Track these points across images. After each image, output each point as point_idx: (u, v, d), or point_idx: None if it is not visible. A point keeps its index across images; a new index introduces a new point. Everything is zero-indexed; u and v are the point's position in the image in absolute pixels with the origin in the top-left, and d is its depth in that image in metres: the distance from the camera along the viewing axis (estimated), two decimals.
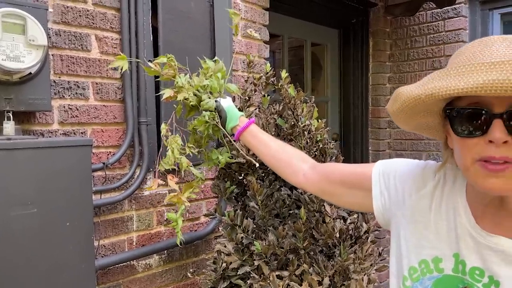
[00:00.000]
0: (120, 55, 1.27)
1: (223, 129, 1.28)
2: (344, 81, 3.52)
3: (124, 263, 1.80)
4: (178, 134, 1.32)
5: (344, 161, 1.56)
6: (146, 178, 1.87)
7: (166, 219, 1.96)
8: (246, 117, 1.60)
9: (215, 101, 1.28)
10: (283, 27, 3.07)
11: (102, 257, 1.73)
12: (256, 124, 1.28)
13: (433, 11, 3.26)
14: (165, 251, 1.96)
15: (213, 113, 1.27)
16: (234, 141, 1.33)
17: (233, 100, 1.83)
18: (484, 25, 3.16)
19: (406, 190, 0.89)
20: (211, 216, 1.88)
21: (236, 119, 1.25)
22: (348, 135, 3.54)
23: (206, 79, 1.33)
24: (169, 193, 1.95)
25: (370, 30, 3.47)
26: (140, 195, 1.86)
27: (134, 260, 1.84)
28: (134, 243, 1.85)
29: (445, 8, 3.15)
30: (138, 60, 1.76)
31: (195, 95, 1.29)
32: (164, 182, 1.74)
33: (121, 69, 1.24)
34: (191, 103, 1.29)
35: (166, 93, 1.28)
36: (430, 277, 0.82)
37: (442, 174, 0.86)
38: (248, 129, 1.23)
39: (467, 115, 0.69)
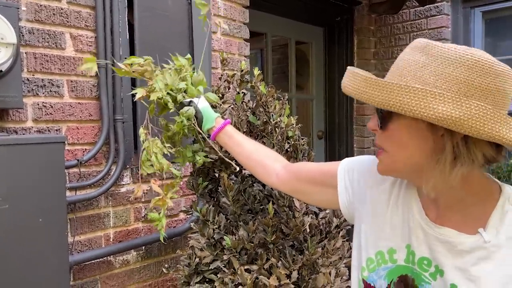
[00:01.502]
0: (89, 57, 1.28)
1: (199, 130, 1.28)
2: (329, 79, 3.54)
3: (100, 259, 1.81)
4: (156, 137, 1.32)
5: (329, 158, 1.59)
6: (122, 175, 1.89)
7: (145, 215, 1.98)
8: (221, 115, 1.63)
9: (190, 101, 1.28)
10: (267, 25, 3.09)
11: (78, 252, 1.74)
12: (231, 125, 1.29)
13: (416, 9, 3.28)
14: (143, 247, 1.98)
15: (190, 112, 1.26)
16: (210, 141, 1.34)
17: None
18: (466, 23, 3.19)
19: (368, 184, 0.93)
20: (187, 213, 1.91)
21: (212, 120, 1.26)
22: (333, 132, 3.56)
23: (180, 77, 1.32)
24: (146, 190, 1.97)
25: (354, 28, 3.49)
26: (116, 191, 1.88)
27: (111, 256, 1.86)
28: (111, 239, 1.87)
29: (427, 6, 3.18)
30: (108, 62, 1.76)
31: (168, 94, 1.28)
32: (139, 181, 1.77)
33: (96, 71, 1.25)
34: (165, 102, 1.28)
35: (139, 93, 1.27)
36: (385, 267, 0.86)
37: None
38: (224, 130, 1.25)
39: None
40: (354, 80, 0.77)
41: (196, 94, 1.31)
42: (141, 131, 1.29)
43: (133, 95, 1.29)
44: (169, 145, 1.32)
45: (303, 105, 3.60)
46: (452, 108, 0.66)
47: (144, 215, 1.97)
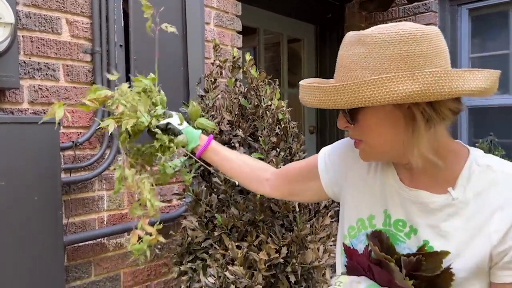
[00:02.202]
0: (55, 104, 1.12)
1: (187, 152, 1.19)
2: (321, 75, 3.61)
3: (94, 241, 1.85)
4: (143, 172, 1.17)
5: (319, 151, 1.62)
6: (116, 159, 1.92)
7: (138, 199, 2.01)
8: (213, 100, 1.68)
9: (168, 123, 1.16)
10: (259, 20, 3.15)
11: (72, 234, 1.78)
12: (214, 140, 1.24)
13: (405, 6, 3.36)
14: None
15: (170, 137, 1.16)
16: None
17: (198, 83, 1.90)
18: (453, 20, 3.27)
19: (349, 161, 0.99)
20: (179, 196, 1.95)
21: (196, 139, 1.19)
22: (325, 127, 3.62)
23: (152, 100, 1.19)
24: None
25: (345, 25, 3.57)
26: (111, 175, 1.92)
27: (105, 239, 1.89)
28: (105, 222, 1.90)
29: (415, 4, 3.26)
30: (79, 105, 1.60)
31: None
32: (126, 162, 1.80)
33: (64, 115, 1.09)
34: (138, 128, 1.14)
35: (110, 125, 1.09)
36: (365, 232, 0.91)
37: None
38: (209, 147, 1.20)
39: None
40: (313, 93, 0.81)
41: (169, 114, 1.20)
42: (117, 167, 1.15)
43: (129, 80, 1.18)
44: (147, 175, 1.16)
45: (295, 101, 3.65)
46: (410, 84, 0.70)
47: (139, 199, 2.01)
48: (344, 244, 0.93)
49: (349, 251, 0.89)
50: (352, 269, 0.88)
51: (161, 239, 1.18)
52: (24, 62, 1.64)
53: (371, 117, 0.81)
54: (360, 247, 0.90)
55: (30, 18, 1.65)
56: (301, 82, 0.88)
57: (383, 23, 3.46)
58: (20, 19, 1.61)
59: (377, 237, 0.84)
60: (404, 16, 3.37)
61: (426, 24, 3.10)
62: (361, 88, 0.73)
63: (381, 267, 0.81)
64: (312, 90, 0.82)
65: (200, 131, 1.22)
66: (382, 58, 0.74)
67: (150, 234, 1.15)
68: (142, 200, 1.13)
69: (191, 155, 1.21)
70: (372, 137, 0.83)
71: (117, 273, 1.96)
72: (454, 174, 0.82)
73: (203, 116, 1.47)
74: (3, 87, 1.51)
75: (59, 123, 1.57)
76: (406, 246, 0.84)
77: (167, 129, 1.16)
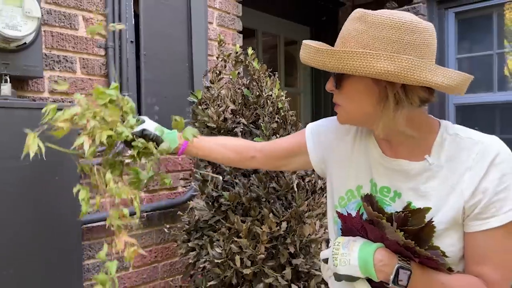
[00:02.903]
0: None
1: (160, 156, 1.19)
2: (316, 74, 3.78)
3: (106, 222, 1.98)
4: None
5: None
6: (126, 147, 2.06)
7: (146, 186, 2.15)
8: (219, 90, 1.82)
9: (143, 129, 1.18)
10: (257, 22, 3.32)
11: (87, 214, 1.91)
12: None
13: (395, 9, 3.55)
14: (145, 215, 2.15)
15: (152, 144, 1.16)
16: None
17: (204, 75, 2.05)
18: (440, 23, 3.46)
19: (333, 139, 1.12)
20: (186, 181, 2.10)
21: (175, 140, 1.21)
22: None
23: (122, 109, 1.17)
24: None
25: (339, 28, 3.72)
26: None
27: None
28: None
29: (405, 7, 3.44)
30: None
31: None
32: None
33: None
34: (113, 140, 1.16)
35: (85, 142, 1.13)
36: (354, 201, 1.03)
37: None
38: (189, 145, 1.24)
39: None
40: (309, 52, 0.92)
41: (141, 120, 1.20)
42: (79, 186, 1.19)
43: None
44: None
45: (291, 98, 3.82)
46: (388, 64, 0.83)
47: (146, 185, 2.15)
48: (337, 211, 1.03)
49: (343, 216, 0.99)
50: (347, 231, 0.99)
51: (141, 251, 1.18)
52: (45, 55, 1.79)
53: (352, 86, 0.92)
54: (352, 214, 1.00)
55: (51, 14, 1.81)
56: (304, 41, 0.96)
57: None
58: (42, 15, 1.76)
59: (369, 200, 0.95)
60: None
61: None
62: (348, 56, 0.84)
63: (374, 225, 0.91)
64: (310, 50, 0.92)
65: (176, 131, 1.22)
66: (374, 37, 0.85)
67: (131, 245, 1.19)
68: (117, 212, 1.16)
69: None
70: (349, 104, 0.95)
71: None
72: (429, 143, 0.95)
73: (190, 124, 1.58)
74: (28, 75, 1.65)
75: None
76: (392, 209, 0.95)
77: (143, 136, 1.16)
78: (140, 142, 1.14)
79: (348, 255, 0.90)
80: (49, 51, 1.80)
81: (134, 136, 1.16)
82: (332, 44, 0.95)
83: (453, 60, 3.45)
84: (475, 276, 0.89)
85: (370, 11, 0.89)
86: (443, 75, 0.86)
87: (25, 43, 1.59)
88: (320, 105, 3.76)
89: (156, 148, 1.15)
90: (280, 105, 1.84)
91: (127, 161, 1.25)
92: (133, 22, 2.10)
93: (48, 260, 1.65)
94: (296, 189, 1.72)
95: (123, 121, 1.17)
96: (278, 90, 1.85)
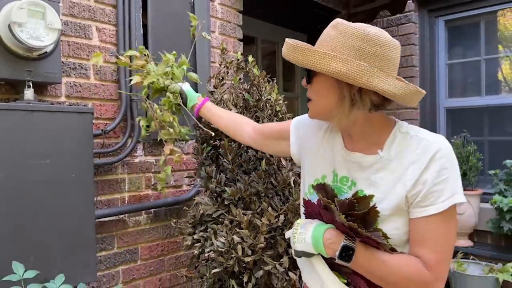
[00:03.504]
0: (97, 52, 1.67)
1: (184, 107, 1.63)
2: None
3: (117, 216, 2.14)
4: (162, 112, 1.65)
5: None
6: (136, 147, 2.23)
7: (154, 184, 2.31)
8: (222, 95, 1.98)
9: (184, 93, 1.62)
10: (257, 30, 3.49)
11: (99, 209, 2.07)
12: (211, 101, 1.65)
13: (388, 18, 3.72)
14: (152, 211, 2.31)
15: (176, 94, 1.61)
16: (195, 117, 1.69)
17: (208, 80, 2.21)
18: (431, 30, 3.63)
19: (309, 132, 1.27)
20: (191, 178, 2.25)
21: (195, 99, 1.61)
22: None
23: (168, 66, 1.68)
24: (155, 162, 2.31)
25: None
26: (132, 161, 2.22)
27: (126, 215, 2.18)
28: (126, 202, 2.20)
29: (398, 16, 3.62)
30: (117, 55, 2.12)
31: (158, 80, 1.63)
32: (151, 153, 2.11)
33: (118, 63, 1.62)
34: (155, 87, 1.62)
35: (134, 79, 1.65)
36: None
37: None
38: (204, 106, 1.60)
39: None
40: (287, 48, 1.05)
41: (181, 79, 1.67)
42: (140, 117, 1.75)
43: (131, 81, 1.67)
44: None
45: (289, 103, 3.98)
46: (341, 66, 0.96)
47: (154, 183, 2.31)
48: (303, 199, 1.15)
49: (306, 202, 1.10)
50: (308, 215, 1.12)
51: (182, 156, 1.67)
52: (63, 62, 1.95)
53: (320, 83, 1.06)
54: (314, 200, 1.14)
55: (68, 25, 1.97)
56: (286, 39, 1.08)
57: None
58: (61, 25, 1.92)
59: (322, 188, 1.06)
60: (387, 27, 3.73)
61: (407, 34, 3.47)
62: (311, 54, 0.99)
63: (327, 210, 1.03)
64: (287, 46, 1.05)
65: (199, 94, 1.63)
66: (341, 44, 0.99)
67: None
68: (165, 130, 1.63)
69: (189, 112, 1.66)
70: (317, 99, 1.08)
71: (136, 247, 2.25)
72: (383, 139, 1.07)
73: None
74: (48, 81, 1.81)
75: (92, 113, 1.88)
76: (349, 196, 1.05)
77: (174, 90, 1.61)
78: (158, 82, 1.62)
79: (304, 234, 1.03)
80: (66, 59, 1.97)
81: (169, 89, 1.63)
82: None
83: (443, 65, 3.62)
84: (416, 257, 1.00)
85: (345, 22, 1.03)
86: (391, 84, 0.98)
87: (46, 52, 1.75)
88: None
89: (179, 101, 1.62)
90: (278, 108, 2.00)
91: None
92: (141, 32, 2.26)
93: (65, 250, 1.80)
94: (293, 185, 1.87)
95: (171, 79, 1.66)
96: (276, 94, 2.01)
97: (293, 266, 1.84)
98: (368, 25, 1.03)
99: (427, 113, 3.63)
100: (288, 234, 1.12)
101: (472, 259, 3.00)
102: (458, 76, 3.62)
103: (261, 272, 1.75)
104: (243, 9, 2.88)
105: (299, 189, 1.89)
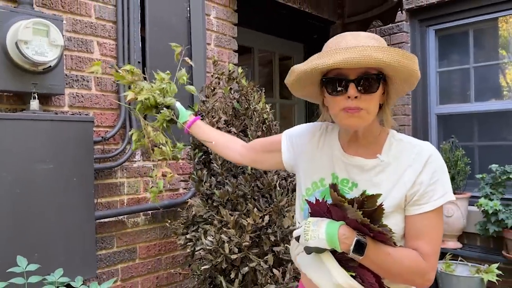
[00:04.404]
0: (97, 61, 1.75)
1: (179, 122, 1.65)
2: None
3: (116, 218, 2.29)
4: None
5: None
6: (135, 153, 2.38)
7: (151, 187, 2.46)
8: (213, 103, 2.13)
9: (177, 109, 1.66)
10: (254, 41, 3.65)
11: (99, 211, 2.22)
12: (202, 120, 1.70)
13: (381, 27, 3.85)
14: (150, 213, 2.46)
15: (170, 110, 1.65)
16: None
17: (201, 90, 2.37)
18: (422, 39, 3.75)
19: (303, 141, 1.36)
20: (186, 182, 2.40)
21: (186, 115, 1.65)
22: None
23: (163, 83, 1.73)
24: (152, 167, 2.47)
25: None
26: (130, 166, 2.37)
27: (125, 217, 2.33)
28: (125, 204, 2.35)
29: (390, 25, 3.75)
30: (114, 67, 2.28)
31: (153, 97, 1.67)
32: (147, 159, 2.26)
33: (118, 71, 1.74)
34: (149, 103, 1.66)
35: (129, 95, 1.68)
36: (318, 191, 1.27)
37: (324, 127, 1.35)
38: (195, 123, 1.64)
39: (334, 81, 1.11)
40: (398, 54, 1.04)
41: (173, 96, 1.71)
42: (133, 130, 1.81)
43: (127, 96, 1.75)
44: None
45: (287, 110, 4.13)
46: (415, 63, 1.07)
47: (152, 187, 2.46)
48: (305, 199, 1.22)
49: (311, 202, 1.15)
50: (314, 214, 1.18)
51: (173, 174, 1.70)
52: (66, 75, 2.12)
53: (381, 88, 1.11)
54: (319, 200, 1.21)
55: (71, 41, 2.14)
56: (329, 46, 1.15)
57: None
58: (64, 41, 2.09)
59: (333, 188, 1.11)
60: (380, 36, 3.86)
61: (399, 43, 3.61)
62: (404, 57, 1.04)
63: (337, 207, 1.08)
64: (349, 50, 1.03)
65: (190, 112, 1.67)
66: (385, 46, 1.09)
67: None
68: (158, 150, 1.66)
69: (181, 124, 1.69)
70: (374, 107, 1.12)
71: (134, 246, 2.40)
72: (380, 145, 1.19)
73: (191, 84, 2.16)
74: (52, 93, 1.98)
75: (92, 121, 2.04)
76: (351, 196, 1.10)
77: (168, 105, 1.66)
78: (152, 99, 1.66)
79: (317, 231, 1.09)
80: (69, 71, 2.13)
81: (162, 105, 1.67)
82: None
83: (434, 73, 3.74)
84: (413, 249, 1.11)
85: (368, 34, 1.13)
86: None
87: (50, 66, 1.92)
88: (312, 115, 4.05)
89: (173, 117, 1.65)
90: (265, 116, 2.14)
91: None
92: (140, 45, 2.42)
93: (67, 248, 1.96)
94: (278, 188, 2.01)
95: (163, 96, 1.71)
96: (263, 103, 2.15)
97: (278, 264, 1.97)
98: (371, 33, 1.15)
99: (419, 119, 3.74)
100: (297, 232, 1.16)
101: (460, 261, 3.10)
102: (448, 83, 3.73)
103: (246, 269, 1.89)
104: (240, 21, 3.04)
105: (285, 192, 2.03)
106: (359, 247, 1.05)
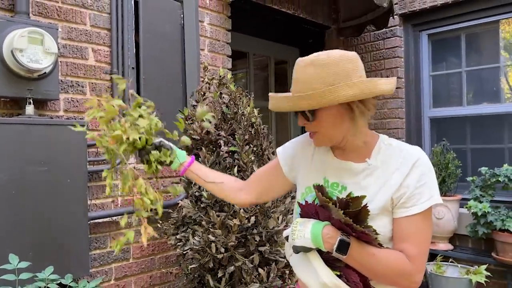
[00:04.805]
0: (92, 99, 1.34)
1: (177, 163, 1.35)
2: None
3: (110, 218, 2.37)
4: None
5: None
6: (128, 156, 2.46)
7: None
8: (204, 110, 2.20)
9: (160, 140, 1.32)
10: (249, 46, 3.72)
11: (94, 212, 2.30)
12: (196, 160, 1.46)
13: (375, 32, 3.91)
14: None
15: (166, 150, 1.30)
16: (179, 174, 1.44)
17: (191, 95, 2.43)
18: (415, 43, 3.81)
19: (297, 151, 1.41)
20: (176, 184, 2.47)
21: (184, 156, 1.38)
22: None
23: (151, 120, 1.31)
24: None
25: (325, 49, 4.11)
26: (124, 168, 2.44)
27: (118, 217, 2.41)
28: (119, 205, 2.43)
29: (383, 30, 3.81)
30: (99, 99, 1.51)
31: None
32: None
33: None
34: (140, 144, 1.28)
35: (114, 135, 1.25)
36: (311, 195, 1.30)
37: None
38: (193, 165, 1.40)
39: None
40: (281, 101, 1.15)
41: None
42: (106, 171, 1.33)
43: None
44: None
45: (282, 114, 4.19)
46: (352, 90, 1.06)
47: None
48: (298, 202, 1.28)
49: (301, 204, 1.21)
50: (304, 215, 1.20)
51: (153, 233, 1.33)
52: (61, 81, 2.20)
53: (327, 115, 1.14)
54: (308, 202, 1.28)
55: (66, 48, 2.22)
56: (270, 94, 1.19)
57: (357, 46, 4.03)
58: (59, 49, 2.18)
59: (319, 189, 1.16)
60: (374, 40, 3.91)
61: (392, 47, 3.66)
62: (323, 95, 1.07)
63: (324, 208, 1.13)
64: (282, 99, 1.14)
65: (185, 152, 1.39)
66: (330, 75, 1.08)
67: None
68: (143, 202, 1.30)
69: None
70: (327, 129, 1.17)
71: (128, 246, 2.48)
72: (369, 150, 1.22)
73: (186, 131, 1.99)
74: (47, 98, 2.06)
75: (86, 125, 2.12)
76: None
77: (160, 146, 1.31)
78: (157, 151, 1.30)
79: (303, 231, 1.13)
80: (64, 77, 2.22)
81: (152, 145, 1.31)
82: None
83: (427, 77, 3.79)
84: (400, 251, 1.12)
85: (312, 57, 1.12)
86: (384, 83, 1.12)
87: (45, 72, 2.00)
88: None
89: (170, 158, 1.31)
90: (253, 120, 2.21)
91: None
92: (134, 52, 2.50)
93: (61, 248, 2.04)
94: None
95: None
96: (252, 108, 2.22)
97: (265, 263, 2.04)
98: (325, 51, 1.14)
99: (412, 122, 3.79)
100: (286, 232, 1.20)
101: (451, 262, 3.14)
102: (441, 87, 3.78)
103: (232, 268, 1.96)
104: (236, 26, 3.11)
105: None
106: (343, 246, 1.09)
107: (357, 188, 1.19)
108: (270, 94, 1.21)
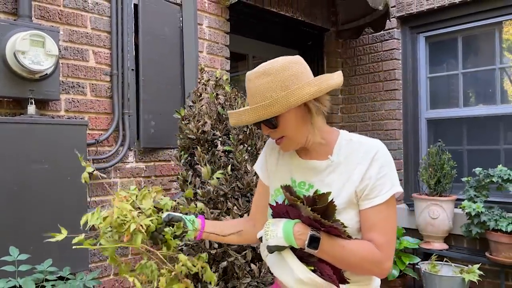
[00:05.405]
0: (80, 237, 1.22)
1: (192, 230, 1.30)
2: None
3: None
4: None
5: None
6: (127, 155, 2.53)
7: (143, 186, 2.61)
8: (199, 110, 2.26)
9: (168, 214, 1.28)
10: (248, 48, 3.79)
11: (94, 208, 2.37)
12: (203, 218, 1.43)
13: (373, 34, 3.96)
14: None
15: (179, 223, 1.25)
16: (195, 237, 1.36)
17: (188, 96, 2.50)
18: (413, 45, 3.85)
19: (268, 158, 1.45)
20: (174, 182, 2.54)
21: (194, 220, 1.35)
22: None
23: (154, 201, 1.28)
24: (145, 168, 2.61)
25: (324, 51, 4.17)
26: (123, 167, 2.52)
27: None
28: None
29: (381, 32, 3.86)
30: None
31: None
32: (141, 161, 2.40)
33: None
34: (151, 228, 1.23)
35: (132, 225, 1.15)
36: (281, 196, 1.35)
37: None
38: (206, 226, 1.38)
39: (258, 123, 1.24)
40: (244, 115, 1.18)
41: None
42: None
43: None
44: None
45: None
46: (310, 88, 1.17)
47: (144, 186, 2.60)
48: (269, 204, 1.30)
49: (272, 206, 1.25)
50: (276, 216, 1.28)
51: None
52: (63, 82, 2.28)
53: (290, 118, 1.19)
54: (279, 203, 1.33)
55: (67, 50, 2.30)
56: (229, 112, 1.24)
57: (356, 49, 4.08)
58: (60, 51, 2.26)
59: (287, 189, 1.21)
60: (372, 43, 3.96)
61: (390, 49, 3.71)
62: (286, 97, 1.13)
63: (293, 207, 1.17)
64: (242, 113, 1.17)
65: (193, 216, 1.36)
66: (283, 80, 1.15)
67: None
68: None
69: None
70: (292, 132, 1.22)
71: None
72: (331, 147, 1.30)
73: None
74: (48, 98, 2.14)
75: (86, 125, 2.20)
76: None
77: (170, 219, 1.27)
78: (170, 227, 1.25)
79: (275, 230, 1.17)
80: (65, 78, 2.30)
81: (163, 223, 1.26)
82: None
83: (424, 79, 3.83)
84: (368, 241, 1.18)
85: (262, 68, 1.18)
86: (335, 78, 1.20)
87: (46, 74, 2.08)
88: None
89: (184, 229, 1.26)
90: None
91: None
92: (134, 54, 2.58)
93: (60, 242, 2.10)
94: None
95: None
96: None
97: (257, 259, 2.10)
98: (271, 60, 1.22)
99: (410, 123, 3.83)
100: (260, 233, 1.23)
101: (445, 261, 3.18)
102: (438, 89, 3.82)
103: (225, 263, 2.02)
104: (235, 29, 3.18)
105: None
106: (314, 241, 1.13)
107: (322, 185, 1.24)
108: (229, 111, 1.26)
